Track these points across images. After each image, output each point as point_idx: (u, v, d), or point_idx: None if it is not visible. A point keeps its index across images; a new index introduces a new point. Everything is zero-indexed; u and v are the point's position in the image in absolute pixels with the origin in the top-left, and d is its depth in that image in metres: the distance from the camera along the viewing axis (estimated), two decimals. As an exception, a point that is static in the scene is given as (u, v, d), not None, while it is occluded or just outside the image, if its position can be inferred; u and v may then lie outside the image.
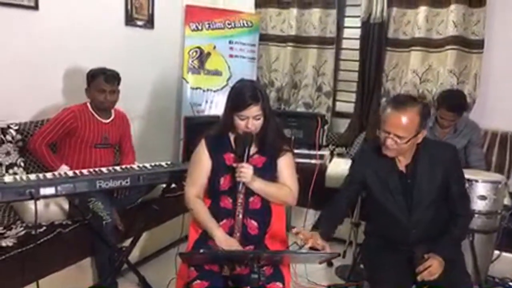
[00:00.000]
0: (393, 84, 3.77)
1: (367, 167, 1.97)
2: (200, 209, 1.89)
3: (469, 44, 3.39)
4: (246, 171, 1.80)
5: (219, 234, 1.81)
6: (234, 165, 1.85)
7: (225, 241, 1.79)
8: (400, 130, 1.78)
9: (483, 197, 2.41)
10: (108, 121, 2.68)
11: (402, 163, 1.93)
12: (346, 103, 4.08)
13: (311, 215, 3.28)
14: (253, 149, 1.91)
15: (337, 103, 4.15)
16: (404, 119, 1.77)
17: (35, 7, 2.75)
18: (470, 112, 3.37)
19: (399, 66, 3.73)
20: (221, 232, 1.82)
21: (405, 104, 1.80)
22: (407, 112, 1.78)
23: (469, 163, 2.90)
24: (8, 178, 1.94)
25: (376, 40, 3.71)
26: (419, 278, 1.76)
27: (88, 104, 2.63)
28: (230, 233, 1.84)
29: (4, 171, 2.50)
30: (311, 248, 1.74)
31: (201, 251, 1.69)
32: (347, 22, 4.03)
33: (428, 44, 3.54)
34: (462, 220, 1.96)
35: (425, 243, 1.88)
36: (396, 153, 1.87)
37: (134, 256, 2.65)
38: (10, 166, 2.55)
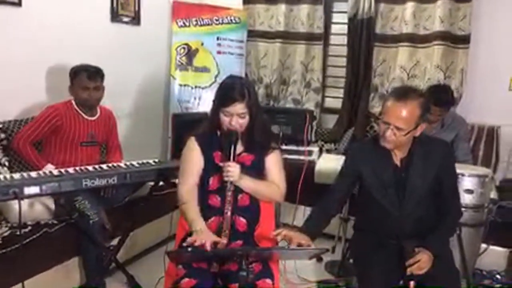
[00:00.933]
0: (381, 79, 3.78)
1: (362, 161, 1.97)
2: (191, 206, 1.84)
3: (456, 40, 3.41)
4: (232, 170, 1.79)
5: (197, 229, 1.73)
6: (221, 164, 1.84)
7: (201, 235, 1.69)
8: (400, 122, 1.77)
9: (469, 191, 2.43)
10: (93, 118, 2.64)
11: (398, 157, 1.93)
12: (335, 99, 4.08)
13: (301, 211, 3.29)
14: (240, 147, 1.90)
15: (326, 99, 4.16)
16: (404, 111, 1.76)
17: (18, 4, 2.69)
18: (457, 107, 3.39)
19: (387, 61, 3.74)
20: (200, 227, 1.75)
21: (407, 96, 1.79)
22: (408, 104, 1.77)
23: (456, 157, 2.91)
24: (-9, 178, 1.90)
25: (365, 36, 3.71)
26: (408, 271, 1.77)
27: (73, 102, 2.59)
28: (219, 230, 1.82)
29: (-13, 171, 2.46)
30: (299, 245, 1.73)
31: (189, 249, 1.67)
32: (336, 17, 4.04)
33: (416, 39, 3.56)
34: (452, 217, 1.97)
35: (415, 238, 1.88)
36: (393, 145, 1.86)
37: (122, 255, 2.63)
38: (-6, 165, 2.51)
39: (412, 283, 1.78)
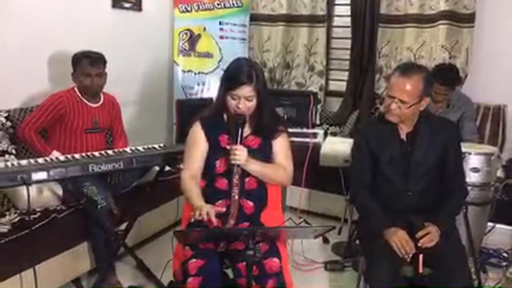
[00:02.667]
0: (386, 60, 3.75)
1: (371, 136, 2.03)
2: (192, 187, 1.83)
3: (460, 19, 3.37)
4: (239, 154, 1.78)
5: (197, 204, 1.72)
6: (228, 147, 1.84)
7: (200, 209, 1.68)
8: (404, 95, 1.86)
9: (476, 169, 2.42)
10: (97, 105, 2.65)
11: (404, 131, 2.00)
12: (339, 82, 4.05)
13: (306, 194, 3.31)
14: (247, 130, 1.90)
15: (330, 82, 4.14)
16: (408, 85, 1.86)
17: (19, -9, 2.70)
18: (462, 86, 3.36)
19: (392, 42, 3.71)
20: (200, 203, 1.74)
21: (410, 70, 1.89)
22: (412, 78, 1.86)
23: (462, 136, 2.90)
24: (-1, 164, 1.92)
25: (368, 17, 3.67)
26: (419, 243, 1.81)
27: (76, 89, 2.59)
28: (226, 213, 1.83)
29: (-5, 159, 2.48)
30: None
31: (196, 229, 1.69)
32: (338, -1, 4.00)
33: (421, 20, 3.52)
34: (457, 196, 2.00)
35: (421, 212, 1.92)
36: (399, 118, 1.93)
37: (131, 239, 2.66)
38: (2, 153, 2.53)
39: (421, 256, 1.80)
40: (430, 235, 1.82)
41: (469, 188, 2.39)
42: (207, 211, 1.64)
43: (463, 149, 2.34)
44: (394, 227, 1.88)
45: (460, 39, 3.40)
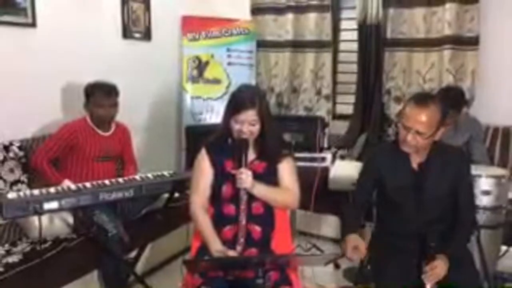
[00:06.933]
0: (394, 83, 3.77)
1: (382, 163, 2.01)
2: (202, 220, 1.88)
3: (464, 42, 3.39)
4: (245, 177, 1.80)
5: (215, 247, 1.80)
6: (233, 171, 1.86)
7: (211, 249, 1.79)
8: (421, 126, 1.82)
9: (487, 192, 2.40)
10: (108, 134, 2.69)
11: (416, 161, 1.96)
12: (347, 105, 4.07)
13: (315, 219, 3.29)
14: (252, 156, 1.92)
15: (337, 106, 4.16)
16: (424, 116, 1.81)
17: (33, 25, 2.78)
18: (469, 108, 3.36)
19: (399, 65, 3.73)
20: (218, 245, 1.81)
21: (427, 101, 1.84)
22: (428, 109, 1.82)
23: (473, 156, 2.89)
24: (11, 195, 1.95)
25: (374, 41, 3.72)
26: (424, 279, 1.79)
27: (87, 118, 2.65)
28: (234, 239, 1.84)
29: (8, 188, 2.52)
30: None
31: (205, 258, 1.69)
32: (344, 24, 4.05)
33: (427, 43, 3.55)
34: (466, 227, 1.99)
35: (434, 234, 1.89)
36: (415, 149, 1.90)
37: (140, 267, 2.66)
38: (14, 183, 2.58)
39: (428, 286, 1.78)
40: (437, 271, 1.79)
41: (480, 211, 2.38)
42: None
43: (474, 172, 2.33)
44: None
45: (465, 62, 3.41)
